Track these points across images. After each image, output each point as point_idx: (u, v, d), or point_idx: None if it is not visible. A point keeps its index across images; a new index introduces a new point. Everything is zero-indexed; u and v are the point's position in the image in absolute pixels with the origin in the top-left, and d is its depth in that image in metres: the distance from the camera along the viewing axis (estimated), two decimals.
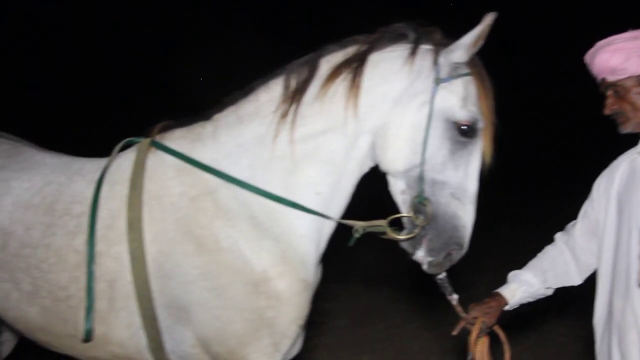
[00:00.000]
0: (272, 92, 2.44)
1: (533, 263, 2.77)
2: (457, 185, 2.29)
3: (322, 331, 5.59)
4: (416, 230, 2.30)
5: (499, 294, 2.67)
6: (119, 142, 2.63)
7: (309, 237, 2.43)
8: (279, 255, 2.33)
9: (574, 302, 3.12)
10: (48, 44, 14.00)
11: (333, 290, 2.78)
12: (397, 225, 2.42)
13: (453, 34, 2.36)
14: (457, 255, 2.37)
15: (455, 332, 2.56)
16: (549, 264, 2.74)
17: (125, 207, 2.38)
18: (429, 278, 2.48)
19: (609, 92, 2.49)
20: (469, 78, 2.31)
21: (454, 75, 2.29)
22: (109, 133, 2.97)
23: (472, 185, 2.31)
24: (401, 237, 2.35)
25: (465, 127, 2.27)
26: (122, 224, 2.37)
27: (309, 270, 2.43)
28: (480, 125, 2.31)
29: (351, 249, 2.58)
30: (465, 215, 2.30)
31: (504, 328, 2.66)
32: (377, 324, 6.31)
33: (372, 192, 2.63)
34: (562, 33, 13.86)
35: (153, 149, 2.50)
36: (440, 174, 2.27)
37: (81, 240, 2.40)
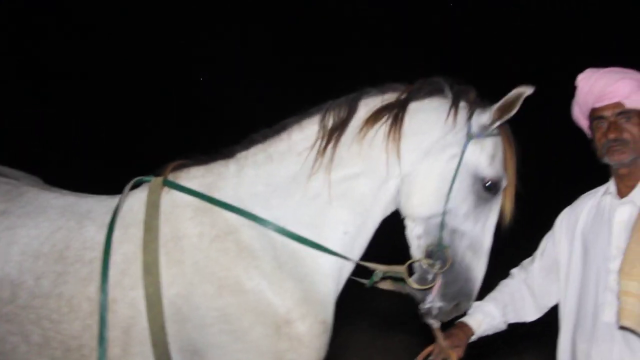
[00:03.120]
0: (306, 131, 2.45)
1: (494, 295, 2.78)
2: (475, 237, 2.38)
3: None
4: (433, 282, 2.35)
5: (465, 324, 2.65)
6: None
7: (332, 276, 2.43)
8: (302, 296, 2.30)
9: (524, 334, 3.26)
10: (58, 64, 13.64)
11: None
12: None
13: (489, 94, 2.46)
14: (465, 305, 2.43)
15: None
16: (509, 298, 2.76)
17: (140, 251, 2.31)
18: (412, 312, 2.48)
19: (618, 118, 2.47)
20: (498, 138, 2.42)
21: (485, 133, 2.39)
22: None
23: (488, 239, 2.41)
24: (419, 287, 2.38)
25: (490, 184, 2.37)
26: (137, 268, 2.30)
27: (329, 311, 2.41)
28: (504, 184, 2.41)
29: None
30: (478, 267, 2.39)
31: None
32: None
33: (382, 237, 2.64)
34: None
35: (166, 189, 2.44)
36: (461, 224, 2.35)
37: (94, 287, 2.30)
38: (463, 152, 2.35)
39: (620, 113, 2.47)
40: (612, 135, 2.46)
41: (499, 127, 2.42)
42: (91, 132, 13.27)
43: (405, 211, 2.42)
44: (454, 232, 2.35)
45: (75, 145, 12.76)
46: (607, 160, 2.51)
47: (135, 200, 2.47)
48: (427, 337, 2.57)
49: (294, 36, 14.29)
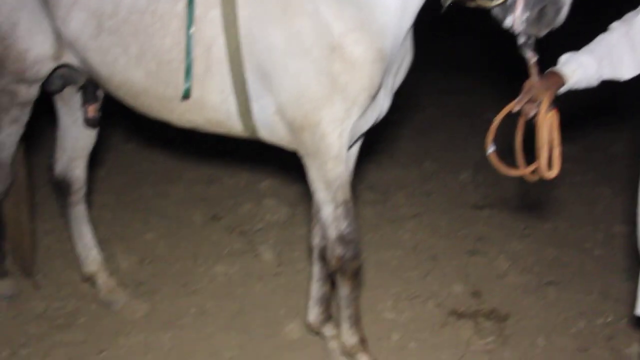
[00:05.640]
0: None
1: (590, 47, 2.51)
2: None
3: (384, 139, 5.78)
4: None
5: (557, 73, 2.43)
6: None
7: (394, 9, 2.47)
8: (358, 23, 2.42)
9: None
10: None
11: (397, 102, 2.89)
12: None
13: None
14: (552, 11, 2.27)
15: (516, 109, 2.36)
16: (606, 51, 2.49)
17: None
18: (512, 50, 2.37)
19: None
20: None
21: None
22: None
23: None
24: (493, 3, 2.28)
25: None
26: None
27: (387, 42, 2.50)
28: None
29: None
30: None
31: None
32: (439, 133, 6.49)
33: None
34: None
35: None
36: None
37: (182, 5, 2.57)
38: None
39: None
40: None
41: None
42: None
43: None
44: None
45: None
46: None
47: None
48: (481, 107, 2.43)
49: None
